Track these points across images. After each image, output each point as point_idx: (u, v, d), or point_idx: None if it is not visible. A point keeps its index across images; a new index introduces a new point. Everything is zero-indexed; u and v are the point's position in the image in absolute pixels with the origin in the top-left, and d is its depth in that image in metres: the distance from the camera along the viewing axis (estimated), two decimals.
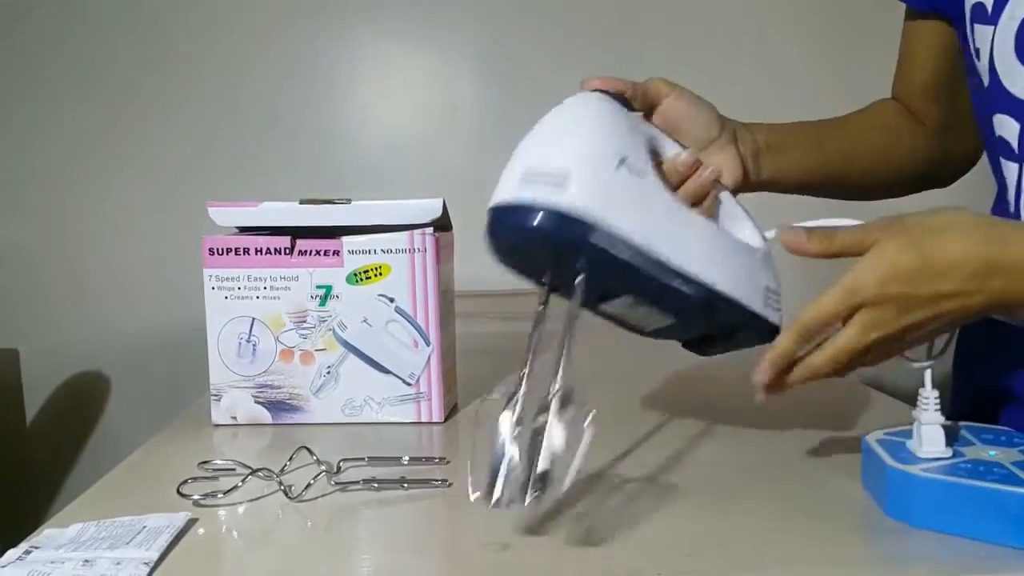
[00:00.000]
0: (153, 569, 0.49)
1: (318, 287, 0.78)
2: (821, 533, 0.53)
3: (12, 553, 0.50)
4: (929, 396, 0.57)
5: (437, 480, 0.62)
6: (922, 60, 0.82)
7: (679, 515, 0.56)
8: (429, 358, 0.78)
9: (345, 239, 0.78)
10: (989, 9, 0.67)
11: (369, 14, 1.85)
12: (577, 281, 0.53)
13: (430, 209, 0.78)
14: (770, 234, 0.62)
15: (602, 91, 0.60)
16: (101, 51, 1.82)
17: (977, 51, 0.70)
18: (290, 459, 0.65)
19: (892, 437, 0.60)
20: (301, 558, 0.52)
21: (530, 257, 0.54)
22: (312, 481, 0.61)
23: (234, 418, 0.80)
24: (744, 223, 0.64)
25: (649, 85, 0.66)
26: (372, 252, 0.78)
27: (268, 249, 0.78)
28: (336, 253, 0.78)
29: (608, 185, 0.52)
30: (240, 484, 0.61)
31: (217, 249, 0.79)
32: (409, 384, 0.79)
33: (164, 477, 0.63)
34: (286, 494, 0.60)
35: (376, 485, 0.61)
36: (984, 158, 0.77)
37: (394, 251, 0.78)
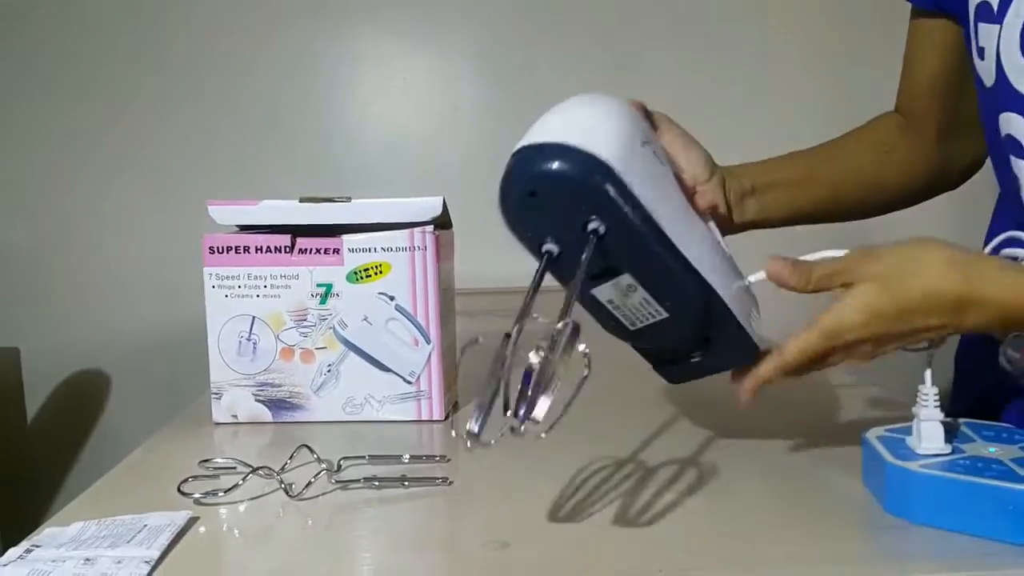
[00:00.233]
0: (154, 568, 0.49)
1: (318, 285, 0.78)
2: (821, 529, 0.53)
3: (13, 552, 0.50)
4: (928, 393, 0.57)
5: (438, 478, 0.62)
6: (927, 59, 0.82)
7: (679, 512, 0.56)
8: (429, 356, 0.78)
9: (345, 237, 0.78)
10: (995, 8, 0.67)
11: (369, 14, 1.85)
12: (591, 227, 0.52)
13: (430, 207, 0.78)
14: (754, 278, 0.61)
15: None
16: (101, 51, 1.83)
17: (981, 50, 0.70)
18: (291, 457, 0.65)
19: (892, 434, 0.60)
20: (302, 556, 0.52)
21: (540, 212, 0.53)
22: (313, 479, 0.61)
23: (235, 416, 0.80)
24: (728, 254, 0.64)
25: (655, 113, 0.66)
26: (372, 250, 0.78)
27: (268, 247, 0.78)
28: (336, 251, 0.78)
29: (635, 153, 0.52)
30: (241, 482, 0.61)
31: (217, 247, 0.79)
32: (409, 382, 0.79)
33: (165, 475, 0.63)
34: (287, 492, 0.60)
35: (377, 483, 0.61)
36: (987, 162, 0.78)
37: (394, 249, 0.78)
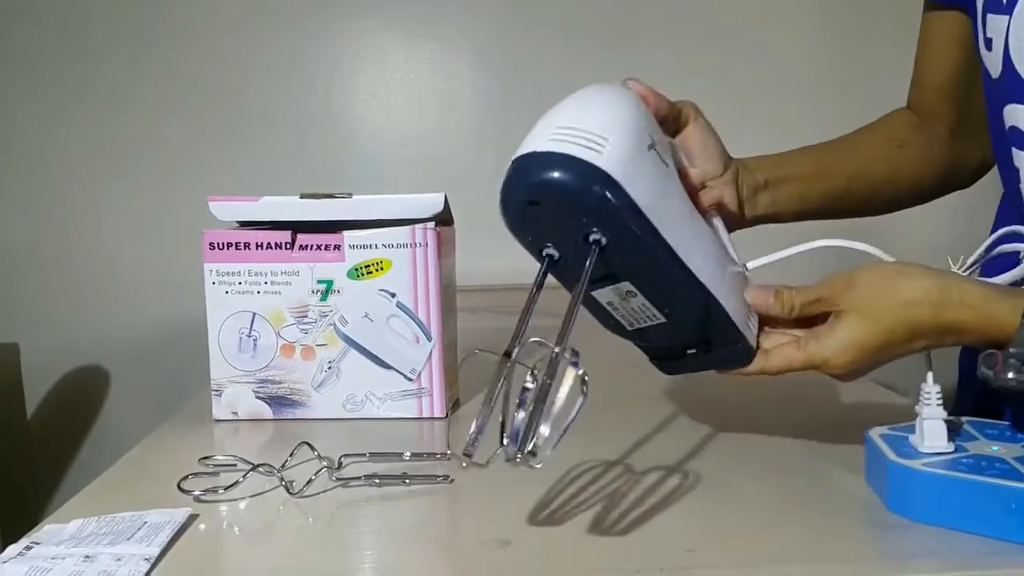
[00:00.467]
0: (154, 565, 0.49)
1: (319, 282, 0.78)
2: (823, 528, 0.53)
3: (13, 549, 0.50)
4: (931, 391, 0.57)
5: (439, 476, 0.62)
6: (940, 55, 0.82)
7: (680, 510, 0.56)
8: (430, 353, 0.78)
9: (346, 234, 0.78)
10: None
11: (371, 9, 1.85)
12: (593, 238, 0.51)
13: (431, 204, 0.77)
14: (753, 264, 0.62)
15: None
16: (101, 47, 1.82)
17: (989, 41, 0.69)
18: (291, 455, 0.65)
19: (895, 432, 0.60)
20: (302, 554, 0.52)
21: (541, 220, 0.53)
22: (313, 477, 0.61)
23: (235, 413, 0.80)
24: (732, 251, 0.63)
25: (682, 106, 0.65)
26: (373, 247, 0.77)
27: (269, 244, 0.78)
28: (337, 248, 0.78)
29: (638, 160, 0.52)
30: (241, 480, 0.61)
31: (218, 244, 0.78)
32: (410, 379, 0.79)
33: (165, 473, 0.63)
34: (287, 490, 0.60)
35: (377, 481, 0.61)
36: None
37: (395, 246, 0.77)
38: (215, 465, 0.66)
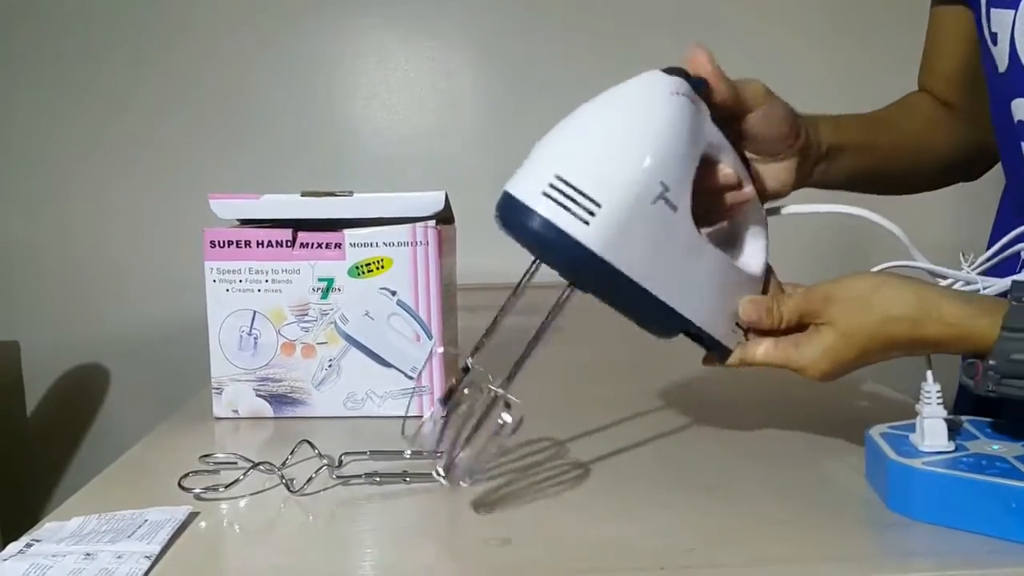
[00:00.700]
0: (154, 563, 0.49)
1: (320, 280, 0.78)
2: (824, 527, 0.53)
3: (13, 546, 0.50)
4: (931, 390, 0.57)
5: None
6: (948, 49, 0.82)
7: (681, 509, 0.56)
8: (431, 352, 0.78)
9: (347, 232, 0.78)
10: None
11: (371, 8, 1.85)
12: (565, 292, 0.53)
13: (432, 202, 0.77)
14: (789, 210, 0.63)
15: (683, 74, 0.56)
16: (103, 45, 1.82)
17: (994, 35, 0.69)
18: (291, 453, 0.65)
19: (895, 431, 0.60)
20: (302, 552, 0.52)
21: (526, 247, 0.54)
22: (314, 475, 0.61)
23: (235, 411, 0.80)
24: (757, 242, 0.63)
25: (748, 90, 0.61)
26: (374, 245, 0.77)
27: (270, 242, 0.78)
28: (338, 246, 0.78)
29: (634, 226, 0.51)
30: (241, 478, 0.60)
31: (218, 242, 0.78)
32: (411, 378, 0.79)
33: (165, 470, 0.63)
34: (287, 488, 0.60)
35: (378, 479, 0.61)
36: None
37: (396, 244, 0.77)
38: (215, 463, 0.66)
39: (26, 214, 1.85)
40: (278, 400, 0.79)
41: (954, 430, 0.57)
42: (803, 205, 0.64)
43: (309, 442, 0.66)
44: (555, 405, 0.81)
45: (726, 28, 1.86)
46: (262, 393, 0.79)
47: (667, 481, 0.62)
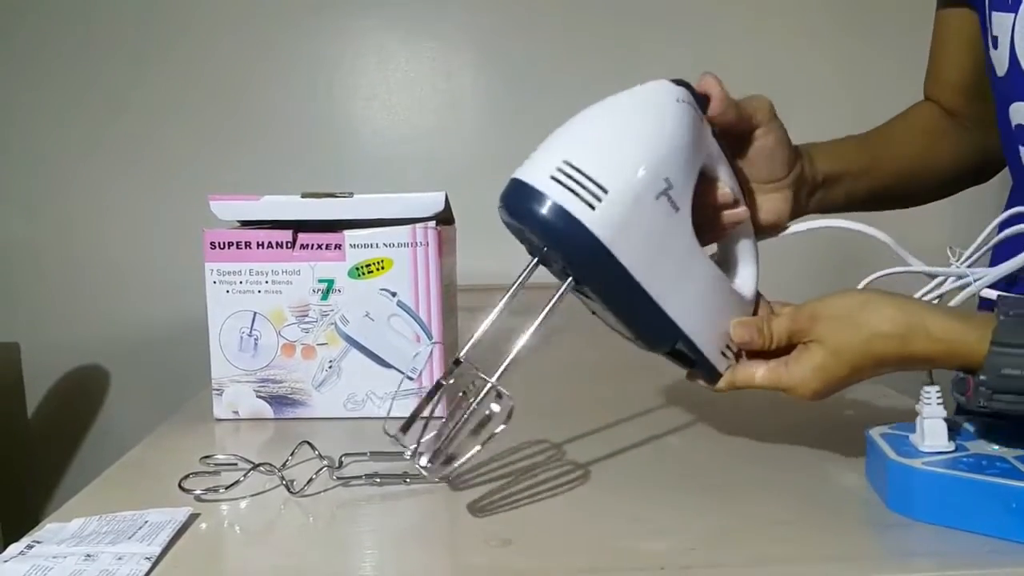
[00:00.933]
0: (155, 564, 0.49)
1: (320, 281, 0.78)
2: (824, 527, 0.53)
3: (14, 547, 0.50)
4: (931, 390, 0.57)
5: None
6: (953, 54, 0.81)
7: (682, 509, 0.56)
8: (431, 352, 0.78)
9: (347, 233, 0.78)
10: None
11: (371, 9, 1.85)
12: (564, 285, 0.54)
13: (432, 203, 0.77)
14: (792, 229, 0.64)
15: (688, 86, 0.57)
16: (103, 46, 1.82)
17: (995, 39, 0.69)
18: (292, 454, 0.65)
19: (896, 431, 0.60)
20: (303, 553, 0.52)
21: (529, 238, 0.54)
22: (314, 476, 0.61)
23: (236, 413, 0.80)
24: (748, 268, 0.63)
25: (753, 104, 0.62)
26: (374, 246, 0.77)
27: (270, 243, 0.78)
28: (338, 247, 0.78)
29: (637, 217, 0.52)
30: (242, 479, 0.61)
31: (218, 243, 0.78)
32: (411, 378, 0.79)
33: (166, 472, 0.63)
34: (288, 489, 0.60)
35: (378, 480, 0.61)
36: None
37: (396, 245, 0.77)
38: (216, 464, 0.66)
39: (26, 214, 1.85)
40: (278, 401, 0.79)
41: (954, 430, 0.57)
42: (795, 224, 0.66)
43: (309, 443, 0.66)
44: (555, 405, 0.81)
45: (726, 29, 1.86)
46: (262, 394, 0.79)
47: (667, 481, 0.62)
